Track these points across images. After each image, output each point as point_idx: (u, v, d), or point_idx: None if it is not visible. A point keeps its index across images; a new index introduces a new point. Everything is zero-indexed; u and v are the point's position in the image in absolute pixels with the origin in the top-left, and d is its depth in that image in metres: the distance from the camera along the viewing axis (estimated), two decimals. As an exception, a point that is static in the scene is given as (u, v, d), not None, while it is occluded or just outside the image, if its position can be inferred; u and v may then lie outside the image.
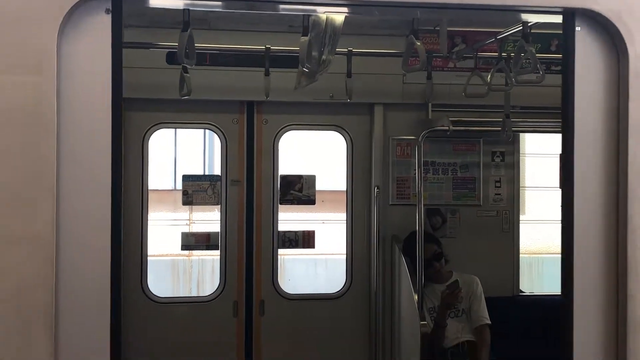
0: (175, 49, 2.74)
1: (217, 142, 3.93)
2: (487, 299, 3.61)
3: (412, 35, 2.64)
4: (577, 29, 2.26)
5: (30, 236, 1.97)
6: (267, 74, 3.27)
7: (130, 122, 3.74)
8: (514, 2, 2.25)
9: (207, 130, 4.10)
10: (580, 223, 2.24)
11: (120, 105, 1.99)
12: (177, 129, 4.24)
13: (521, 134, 4.07)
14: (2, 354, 1.90)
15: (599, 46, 2.29)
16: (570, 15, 2.26)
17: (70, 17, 1.98)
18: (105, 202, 2.00)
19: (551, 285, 3.62)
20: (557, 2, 2.24)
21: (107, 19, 2.00)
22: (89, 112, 2.00)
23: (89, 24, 2.00)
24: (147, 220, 3.79)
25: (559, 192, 2.41)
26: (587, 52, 2.29)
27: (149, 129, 3.79)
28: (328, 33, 2.79)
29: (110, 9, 1.98)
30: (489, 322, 3.57)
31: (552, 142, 3.46)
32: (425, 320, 3.41)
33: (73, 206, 2.01)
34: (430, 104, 3.84)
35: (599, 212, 2.24)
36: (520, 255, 4.01)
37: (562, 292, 2.27)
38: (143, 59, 3.49)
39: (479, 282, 3.67)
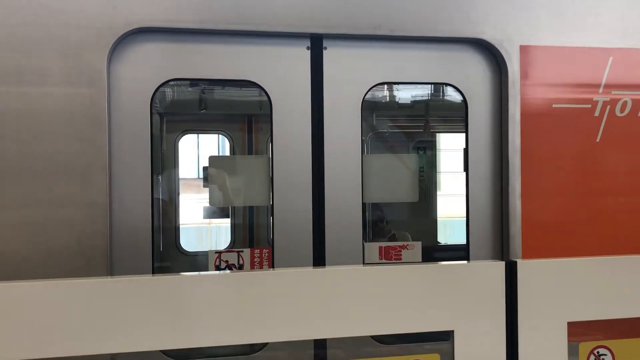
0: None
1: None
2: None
3: None
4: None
5: (88, 201, 2.67)
6: None
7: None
8: (425, 33, 2.95)
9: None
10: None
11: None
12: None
13: (437, 134, 5.56)
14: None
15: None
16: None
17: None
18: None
19: (457, 238, 5.05)
20: (460, 34, 2.98)
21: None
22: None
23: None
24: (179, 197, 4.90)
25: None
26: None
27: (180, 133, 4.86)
28: None
29: None
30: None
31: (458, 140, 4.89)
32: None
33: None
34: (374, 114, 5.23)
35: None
36: (438, 218, 5.50)
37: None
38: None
39: (409, 235, 5.12)
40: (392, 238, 4.83)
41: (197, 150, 5.45)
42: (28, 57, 2.62)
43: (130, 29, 2.73)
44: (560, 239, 3.14)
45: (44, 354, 1.88)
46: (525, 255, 3.11)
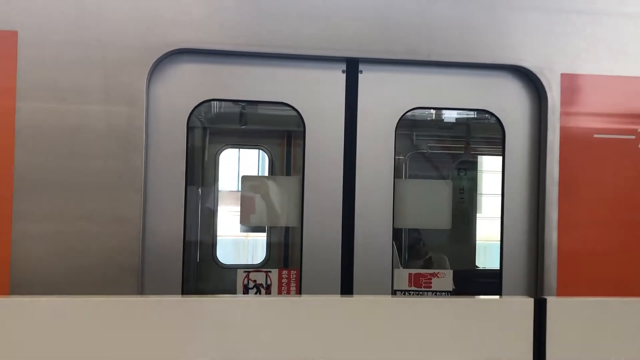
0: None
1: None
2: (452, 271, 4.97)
3: None
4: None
5: (122, 216, 2.74)
6: None
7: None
8: (462, 58, 2.94)
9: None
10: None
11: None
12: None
13: (479, 156, 5.47)
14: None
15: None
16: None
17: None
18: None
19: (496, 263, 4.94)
20: (499, 60, 2.96)
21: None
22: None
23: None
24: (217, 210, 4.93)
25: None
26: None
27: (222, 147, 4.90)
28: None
29: None
30: (453, 287, 4.96)
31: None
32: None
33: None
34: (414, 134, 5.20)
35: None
36: (477, 241, 5.39)
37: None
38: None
39: (447, 259, 5.04)
40: (429, 261, 4.77)
41: (237, 163, 5.54)
42: (70, 75, 2.72)
43: (170, 49, 2.81)
44: (599, 274, 3.04)
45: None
46: (561, 288, 3.02)
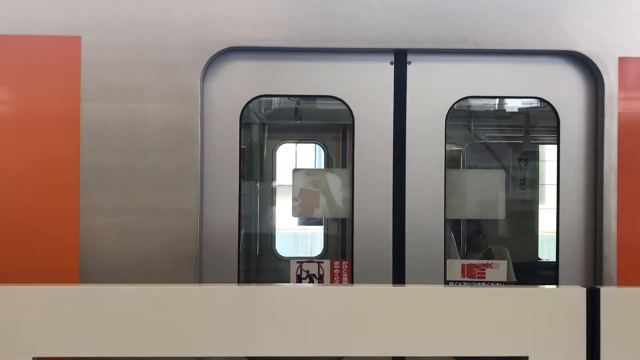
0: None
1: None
2: (514, 263, 4.91)
3: None
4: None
5: (180, 209, 2.89)
6: None
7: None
8: (513, 45, 2.93)
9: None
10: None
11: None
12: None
13: (541, 145, 5.34)
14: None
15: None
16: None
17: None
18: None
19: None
20: (551, 46, 2.93)
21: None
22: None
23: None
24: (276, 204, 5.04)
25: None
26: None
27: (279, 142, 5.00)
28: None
29: None
30: (514, 279, 4.89)
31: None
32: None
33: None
34: (472, 124, 5.13)
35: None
36: (539, 233, 5.27)
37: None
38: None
39: (507, 251, 4.97)
40: (488, 252, 4.71)
41: (295, 157, 5.63)
42: (129, 75, 2.88)
43: (222, 48, 2.92)
44: (662, 264, 2.94)
45: (130, 353, 2.06)
46: (622, 281, 2.95)
